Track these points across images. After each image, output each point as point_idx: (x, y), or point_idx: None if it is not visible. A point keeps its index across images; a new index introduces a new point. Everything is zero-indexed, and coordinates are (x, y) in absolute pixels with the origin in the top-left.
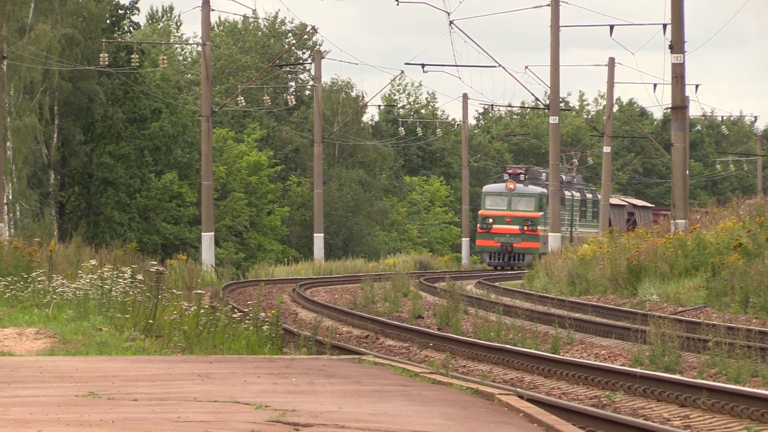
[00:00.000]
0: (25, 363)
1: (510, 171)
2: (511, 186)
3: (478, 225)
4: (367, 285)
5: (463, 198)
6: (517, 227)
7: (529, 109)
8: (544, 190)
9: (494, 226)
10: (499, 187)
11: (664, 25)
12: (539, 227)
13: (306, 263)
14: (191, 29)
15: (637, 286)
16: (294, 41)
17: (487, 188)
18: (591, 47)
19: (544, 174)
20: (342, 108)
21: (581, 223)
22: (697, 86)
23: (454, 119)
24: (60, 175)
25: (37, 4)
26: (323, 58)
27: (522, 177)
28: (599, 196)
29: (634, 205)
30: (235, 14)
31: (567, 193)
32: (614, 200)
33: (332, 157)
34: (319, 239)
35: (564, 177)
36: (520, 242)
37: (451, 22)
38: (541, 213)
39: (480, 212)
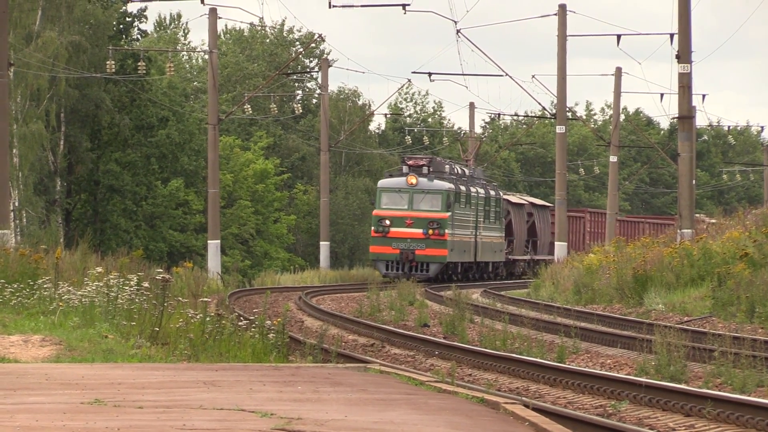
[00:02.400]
0: (31, 370)
1: (410, 162)
2: (413, 181)
3: (373, 228)
4: (373, 293)
5: None
6: (420, 231)
7: (535, 119)
8: (452, 186)
9: (392, 229)
10: (397, 182)
11: (671, 35)
12: (447, 231)
13: (312, 271)
14: (198, 37)
15: (643, 296)
16: (301, 49)
17: (383, 183)
18: (598, 57)
19: (448, 166)
20: (349, 116)
21: (485, 225)
22: (704, 96)
23: (460, 128)
24: (66, 183)
25: (44, 12)
26: (330, 66)
27: (425, 170)
28: (501, 194)
29: (534, 204)
30: (242, 22)
31: (472, 189)
32: (514, 198)
33: (339, 165)
34: (325, 247)
35: (466, 170)
36: (423, 249)
37: (458, 31)
38: (449, 213)
39: (375, 212)
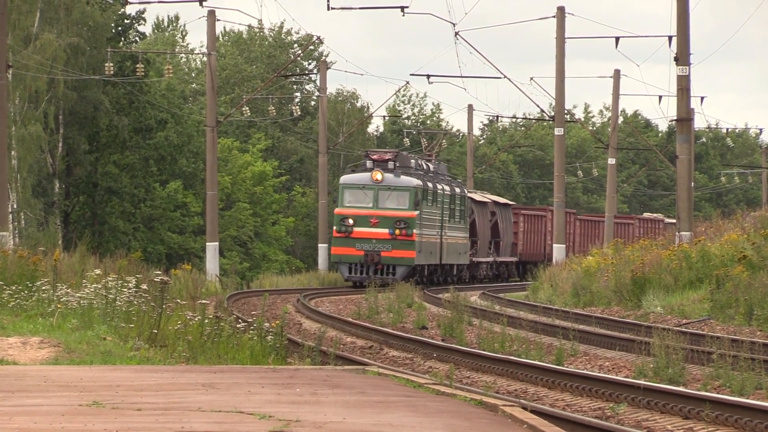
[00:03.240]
0: (30, 372)
1: (375, 157)
2: (378, 177)
3: (335, 228)
4: (372, 296)
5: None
6: (386, 231)
7: (534, 121)
8: (420, 183)
9: (356, 229)
10: (361, 177)
11: (670, 37)
12: (415, 231)
13: (310, 273)
14: (197, 39)
15: (642, 298)
16: (299, 51)
17: (345, 179)
18: (596, 59)
19: (413, 161)
20: (347, 118)
21: (450, 225)
22: (702, 98)
23: (459, 130)
24: (65, 185)
25: (42, 14)
26: (328, 68)
27: (391, 165)
28: (466, 192)
29: (496, 203)
30: (240, 24)
31: (438, 186)
32: (477, 196)
33: (337, 167)
34: (323, 250)
35: (430, 165)
36: (389, 250)
37: (456, 33)
38: (417, 212)
39: (337, 210)
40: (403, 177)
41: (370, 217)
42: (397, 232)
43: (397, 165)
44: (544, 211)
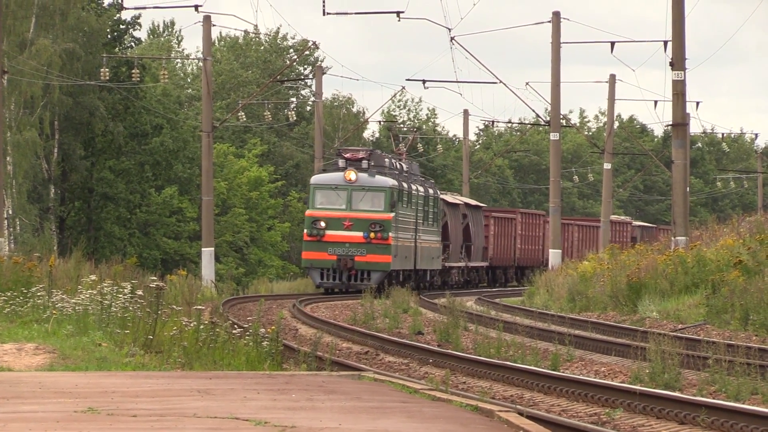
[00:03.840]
0: (25, 378)
1: (347, 155)
2: (352, 177)
3: (305, 231)
4: (367, 301)
5: None
6: (360, 234)
7: (529, 126)
8: (396, 183)
9: (328, 232)
10: (334, 177)
11: (665, 42)
12: (390, 234)
13: (306, 279)
14: (192, 44)
15: (637, 303)
16: (295, 57)
17: (316, 179)
18: (592, 64)
19: (388, 160)
20: (343, 123)
21: (424, 228)
22: (697, 103)
23: (455, 135)
24: (60, 190)
25: (38, 19)
26: (324, 73)
27: (365, 164)
28: (438, 193)
29: (468, 205)
30: (236, 29)
31: (413, 187)
32: (449, 198)
33: None
34: None
35: (403, 164)
36: (364, 255)
37: (452, 38)
38: (393, 214)
39: (308, 213)
40: (378, 177)
41: (343, 219)
42: (372, 235)
43: (372, 164)
44: (513, 213)
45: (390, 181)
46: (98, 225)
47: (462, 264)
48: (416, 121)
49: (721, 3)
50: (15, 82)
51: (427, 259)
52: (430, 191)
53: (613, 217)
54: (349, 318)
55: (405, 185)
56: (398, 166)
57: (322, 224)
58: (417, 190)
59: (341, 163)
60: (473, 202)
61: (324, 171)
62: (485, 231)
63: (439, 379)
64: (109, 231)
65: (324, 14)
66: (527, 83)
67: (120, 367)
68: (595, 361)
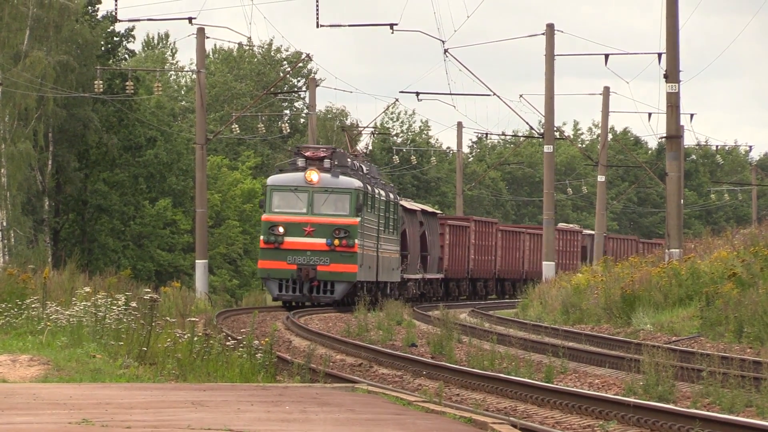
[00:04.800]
0: (19, 390)
1: (308, 153)
2: (313, 177)
3: (262, 237)
4: (361, 313)
5: None
6: (322, 241)
7: (523, 138)
8: (362, 185)
9: (287, 238)
10: (293, 178)
11: (659, 55)
12: (356, 241)
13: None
14: (186, 56)
15: (631, 316)
16: (289, 69)
17: (273, 180)
18: (586, 76)
19: (349, 160)
20: (336, 136)
21: (385, 236)
22: (692, 115)
23: (448, 147)
24: (54, 202)
25: (32, 31)
26: (318, 85)
27: (327, 163)
28: (398, 198)
29: (424, 212)
30: (230, 42)
31: (375, 190)
32: (406, 204)
33: None
34: None
35: (363, 166)
36: (327, 264)
37: (445, 51)
38: (359, 219)
39: (264, 217)
40: (342, 177)
41: (303, 224)
42: (336, 242)
43: (335, 163)
44: (467, 221)
45: (356, 183)
46: (92, 237)
47: (419, 276)
48: (409, 133)
49: (715, 15)
50: (9, 94)
51: (387, 271)
52: (391, 195)
53: (562, 225)
54: (343, 330)
55: (369, 188)
56: (357, 166)
57: (281, 230)
58: (379, 194)
59: (300, 162)
60: (429, 209)
61: (281, 171)
62: (441, 240)
63: (432, 391)
64: (103, 243)
65: (317, 26)
66: (521, 95)
67: (114, 378)
68: (589, 373)
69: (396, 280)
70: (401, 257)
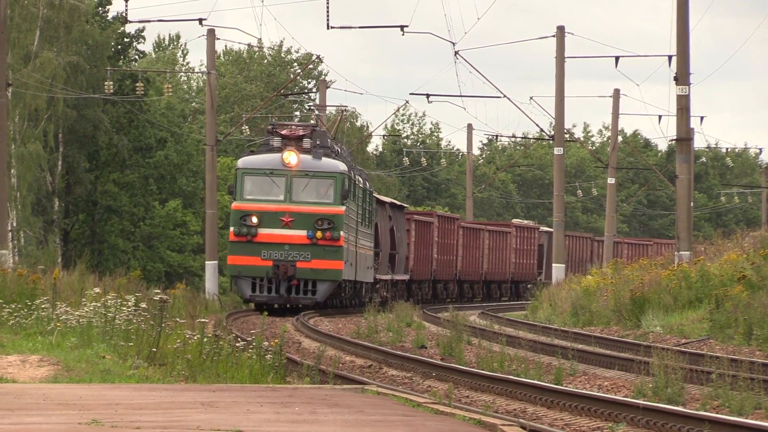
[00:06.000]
0: (29, 390)
1: (285, 132)
2: (292, 159)
3: (231, 229)
4: (371, 315)
5: None
6: (303, 233)
7: (533, 140)
8: (346, 168)
9: (261, 230)
10: (269, 160)
11: (670, 57)
12: (342, 233)
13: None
14: (197, 58)
15: (641, 318)
16: (299, 70)
17: (245, 163)
18: (596, 78)
19: (330, 141)
20: (346, 137)
21: (362, 230)
22: (702, 118)
23: (458, 149)
24: (64, 203)
25: (42, 32)
26: (328, 87)
27: (307, 143)
28: (371, 187)
29: (393, 205)
30: (240, 43)
31: (356, 177)
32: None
33: None
34: None
35: (337, 147)
36: (308, 261)
37: (456, 53)
38: (345, 208)
39: (234, 205)
40: (325, 159)
41: (280, 213)
42: (319, 234)
43: (317, 143)
44: (431, 216)
45: (341, 165)
46: (102, 238)
47: (388, 277)
48: (420, 135)
49: (726, 17)
50: (19, 94)
51: (363, 269)
52: (367, 184)
53: (516, 221)
54: (353, 331)
55: (352, 173)
56: (336, 149)
57: (254, 220)
58: (357, 180)
59: (276, 141)
60: (397, 202)
61: (252, 152)
62: (407, 237)
63: (442, 392)
64: (113, 244)
65: (328, 28)
66: (531, 97)
67: (124, 379)
68: (599, 375)
69: (370, 281)
70: (374, 255)
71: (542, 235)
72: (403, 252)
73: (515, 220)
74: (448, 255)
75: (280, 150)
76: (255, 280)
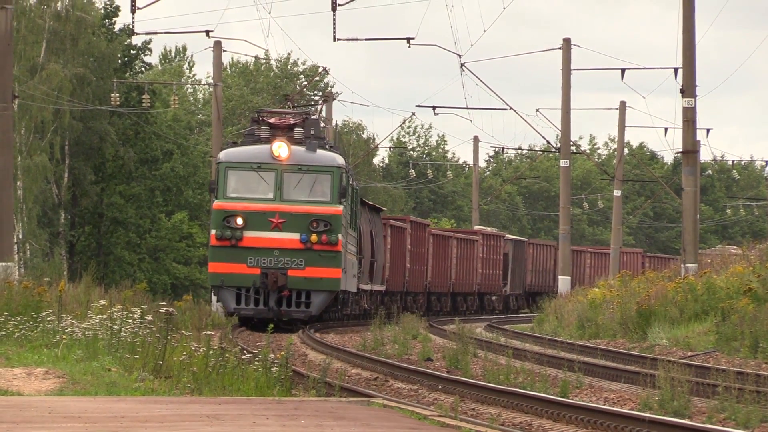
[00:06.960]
0: (34, 403)
1: (274, 120)
2: (282, 152)
3: (213, 232)
4: (377, 327)
5: None
6: (295, 236)
7: (539, 152)
8: (344, 162)
9: (247, 233)
10: (255, 152)
11: (676, 69)
12: (340, 237)
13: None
14: (203, 70)
15: (647, 331)
16: (305, 82)
17: (228, 155)
18: (602, 90)
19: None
20: (353, 150)
21: (350, 232)
22: (708, 130)
23: (465, 161)
24: (70, 215)
25: (48, 44)
26: (335, 99)
27: (300, 133)
28: (358, 185)
29: (371, 207)
30: (247, 55)
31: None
32: None
33: None
34: None
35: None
36: (301, 268)
37: (462, 65)
38: (343, 207)
39: (216, 204)
40: (320, 152)
41: (270, 214)
42: (314, 238)
43: (311, 133)
44: (404, 221)
45: (338, 159)
46: (108, 250)
47: (369, 287)
48: (426, 147)
49: (732, 30)
50: (26, 106)
51: (350, 278)
52: (354, 182)
53: (480, 228)
54: (359, 344)
55: (348, 167)
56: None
57: (239, 221)
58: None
59: (263, 132)
60: (376, 205)
61: (236, 144)
62: (384, 243)
63: (448, 405)
64: (119, 256)
65: (334, 40)
66: (537, 110)
67: (129, 392)
68: (605, 388)
69: (354, 290)
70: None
71: (507, 243)
72: (381, 260)
73: (478, 227)
74: (420, 265)
75: (268, 141)
76: (240, 291)
